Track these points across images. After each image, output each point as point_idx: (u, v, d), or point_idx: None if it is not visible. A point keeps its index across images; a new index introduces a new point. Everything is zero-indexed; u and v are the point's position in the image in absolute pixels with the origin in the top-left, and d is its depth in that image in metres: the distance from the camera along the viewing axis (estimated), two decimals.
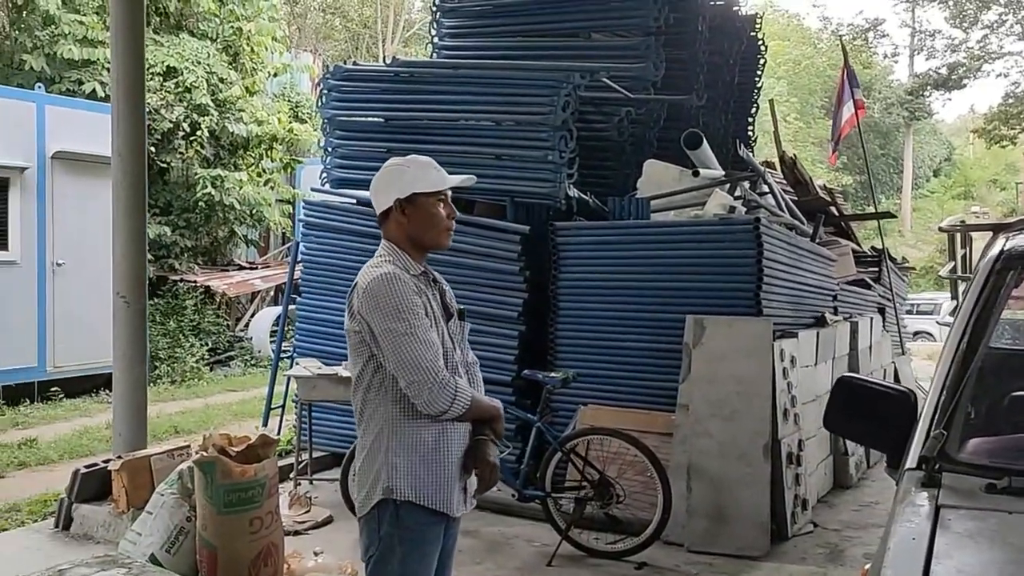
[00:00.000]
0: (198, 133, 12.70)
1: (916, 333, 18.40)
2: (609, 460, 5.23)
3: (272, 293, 14.58)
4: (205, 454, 3.85)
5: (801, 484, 5.71)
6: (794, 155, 9.39)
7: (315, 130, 14.78)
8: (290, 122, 14.31)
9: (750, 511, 5.22)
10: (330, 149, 7.08)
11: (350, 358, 2.71)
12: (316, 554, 4.34)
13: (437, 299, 2.76)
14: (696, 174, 6.65)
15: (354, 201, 7.06)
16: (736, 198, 6.46)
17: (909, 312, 16.14)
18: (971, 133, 44.62)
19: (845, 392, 2.47)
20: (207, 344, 12.26)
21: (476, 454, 2.69)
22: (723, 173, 6.96)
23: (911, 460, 2.15)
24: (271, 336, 12.68)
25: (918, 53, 43.24)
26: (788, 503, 5.47)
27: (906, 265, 11.83)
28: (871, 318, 8.16)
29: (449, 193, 2.80)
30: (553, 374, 5.38)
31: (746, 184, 6.86)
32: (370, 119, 7.06)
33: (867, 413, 2.42)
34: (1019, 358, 3.15)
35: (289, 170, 14.79)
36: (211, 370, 12.07)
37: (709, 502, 5.26)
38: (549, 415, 5.47)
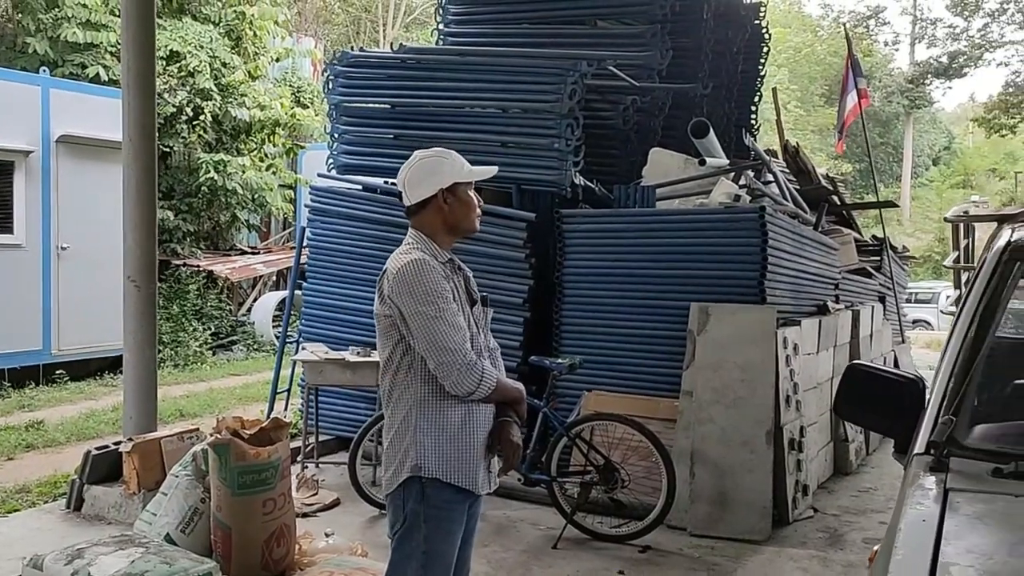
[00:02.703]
0: (201, 118, 12.71)
1: (915, 321, 18.51)
2: (614, 445, 5.30)
3: (274, 278, 14.63)
4: (219, 436, 3.91)
5: (802, 470, 5.78)
6: (796, 143, 9.43)
7: (317, 115, 14.81)
8: (292, 107, 14.31)
9: (752, 496, 5.30)
10: (336, 135, 7.11)
11: (379, 341, 2.79)
12: (327, 535, 4.41)
13: (462, 286, 2.86)
14: (703, 163, 6.69)
15: (360, 187, 7.10)
16: (741, 187, 6.50)
17: (908, 301, 16.22)
18: (971, 122, 44.58)
19: (854, 379, 2.53)
20: (210, 329, 12.32)
21: (500, 434, 2.78)
22: (728, 162, 7.00)
23: (920, 445, 2.21)
24: (273, 321, 12.74)
25: (919, 41, 43.24)
26: (789, 488, 5.55)
27: (906, 254, 11.90)
28: (872, 306, 8.23)
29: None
30: (559, 360, 5.44)
31: (751, 173, 6.91)
32: (377, 105, 7.08)
33: (876, 400, 2.48)
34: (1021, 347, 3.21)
35: (291, 155, 14.82)
36: (214, 354, 12.12)
37: (712, 487, 5.34)
38: (555, 401, 5.53)
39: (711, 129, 7.02)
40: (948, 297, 23.66)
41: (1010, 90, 38.15)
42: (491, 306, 3.07)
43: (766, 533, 5.25)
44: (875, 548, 2.22)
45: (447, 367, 2.64)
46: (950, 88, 67.96)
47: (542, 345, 6.14)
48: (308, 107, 15.29)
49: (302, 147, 14.94)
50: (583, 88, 6.27)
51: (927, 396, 2.39)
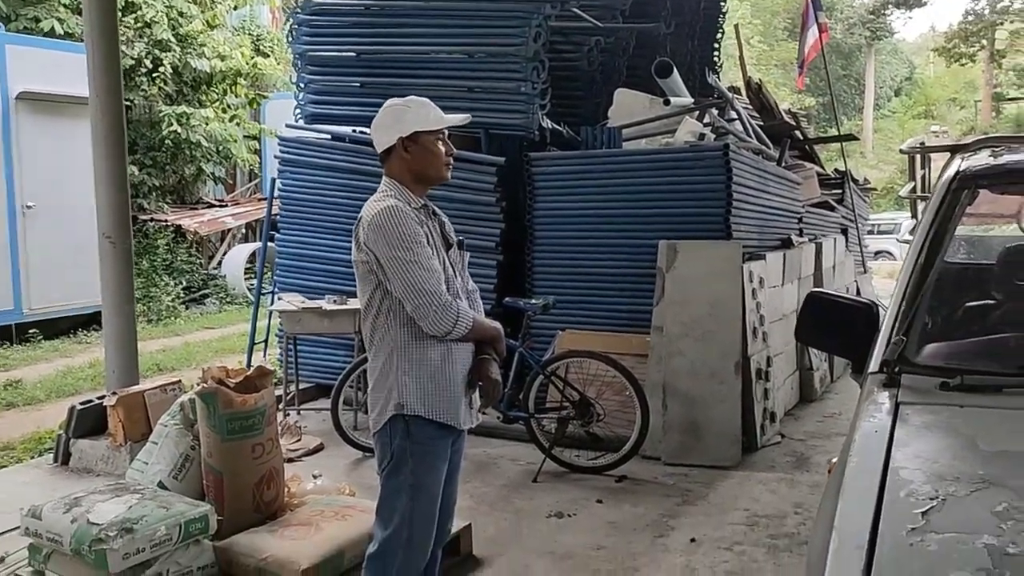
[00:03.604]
0: (160, 69, 12.50)
1: (877, 252, 18.82)
2: (588, 381, 5.47)
3: (243, 231, 14.57)
4: (206, 386, 4.01)
5: (769, 398, 6.01)
6: (759, 80, 9.52)
7: (278, 64, 14.61)
8: (253, 56, 14.09)
9: (722, 425, 5.51)
10: (302, 85, 7.09)
11: (358, 287, 2.90)
12: (315, 477, 4.56)
13: (437, 230, 2.95)
14: (667, 103, 6.78)
15: (329, 136, 7.12)
16: (705, 125, 6.61)
17: (870, 232, 16.49)
18: (932, 52, 44.81)
19: (813, 306, 2.68)
20: (181, 283, 12.30)
21: (479, 371, 2.91)
22: (692, 100, 7.10)
23: (874, 364, 2.37)
24: (245, 273, 12.74)
25: None
26: (757, 416, 5.78)
27: (868, 186, 12.11)
28: (834, 239, 8.43)
29: (447, 131, 2.95)
30: (533, 301, 5.58)
31: (715, 111, 7.01)
32: (342, 54, 7.06)
33: (834, 325, 2.63)
34: (973, 271, 3.38)
35: (254, 106, 14.64)
36: (187, 308, 12.13)
37: (684, 418, 5.54)
38: (530, 341, 5.68)
39: (675, 69, 7.10)
40: (904, 227, 24.04)
41: (969, 19, 38.34)
42: (467, 249, 3.16)
43: (736, 459, 5.48)
44: (833, 460, 2.39)
45: (423, 309, 2.73)
46: (911, 18, 68.19)
47: (515, 287, 6.27)
48: (269, 56, 15.07)
49: (265, 97, 14.76)
50: (548, 30, 6.30)
51: (881, 319, 2.55)
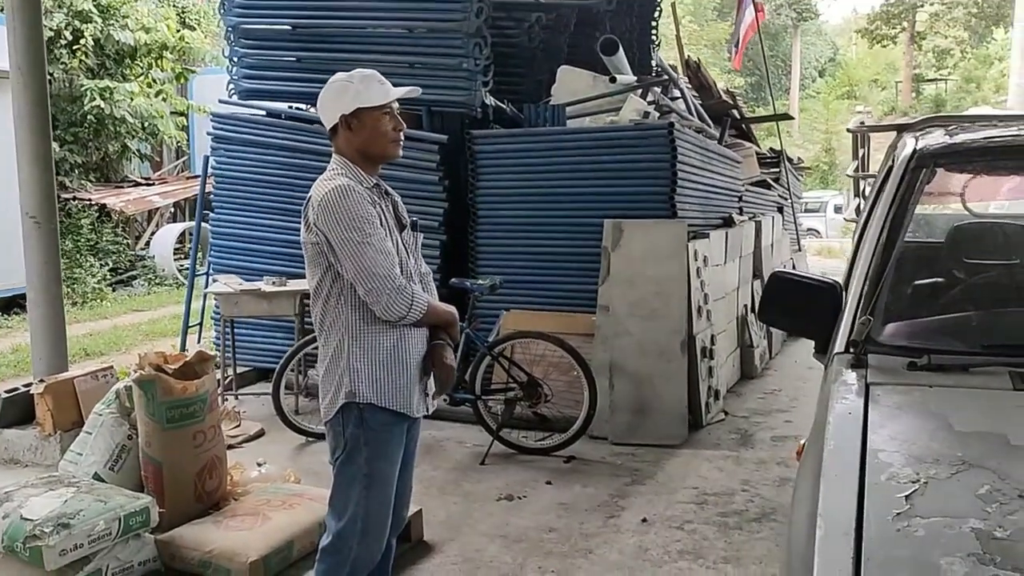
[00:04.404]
0: (81, 41, 12.00)
1: (807, 230, 19.25)
2: (535, 362, 5.43)
3: (172, 210, 14.14)
4: (143, 373, 3.84)
5: (714, 376, 6.06)
6: (698, 59, 9.55)
7: (206, 38, 14.15)
8: (179, 29, 13.62)
9: (669, 403, 5.53)
10: (235, 59, 6.85)
11: (308, 270, 2.77)
12: (259, 465, 4.43)
13: (390, 211, 2.84)
14: (613, 80, 6.74)
15: (265, 113, 6.90)
16: (649, 103, 6.59)
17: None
18: (855, 33, 45.79)
19: (777, 286, 2.66)
20: (107, 264, 11.90)
21: (434, 357, 2.80)
22: (636, 78, 7.07)
23: (840, 344, 2.36)
24: (175, 254, 12.38)
25: None
26: (702, 394, 5.82)
27: (801, 165, 12.32)
28: (772, 217, 8.55)
29: (396, 105, 2.83)
30: (480, 281, 5.50)
31: (658, 89, 7.00)
32: (277, 27, 6.83)
33: (797, 304, 2.62)
34: (924, 249, 3.42)
35: (181, 80, 14.16)
36: (113, 291, 11.74)
37: (631, 397, 5.54)
38: (476, 322, 5.61)
39: (620, 46, 7.05)
40: (839, 207, 24.64)
41: (891, 1, 39.23)
42: (421, 231, 3.06)
43: (683, 437, 5.51)
44: (801, 442, 2.38)
45: (376, 293, 2.63)
46: (835, 0, 69.43)
47: (459, 267, 6.18)
48: (196, 29, 14.58)
49: (193, 72, 14.30)
50: (489, 6, 6.19)
51: (844, 299, 2.54)
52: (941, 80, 40.79)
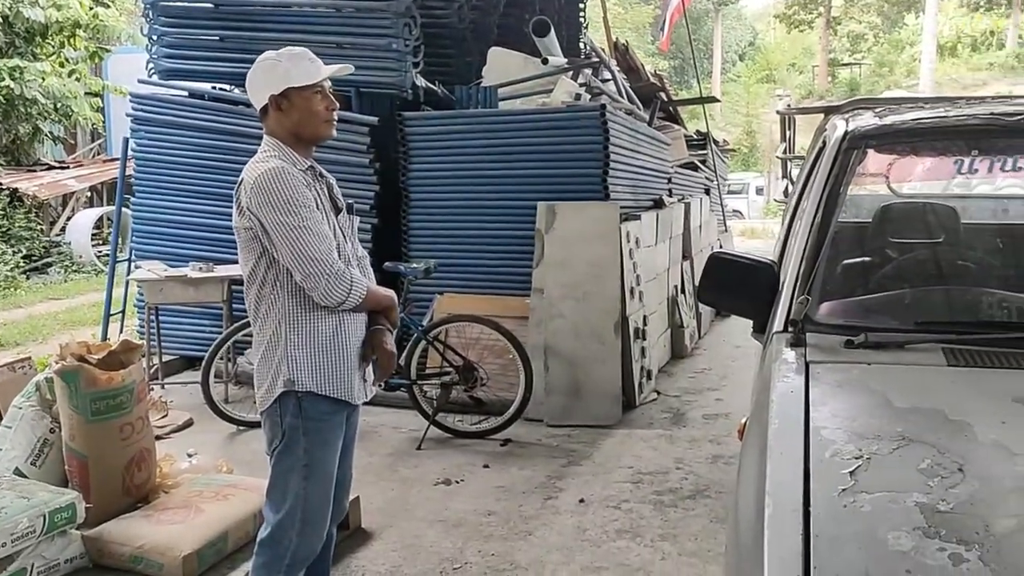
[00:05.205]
0: None
1: (732, 211, 19.61)
2: (470, 345, 5.41)
3: (88, 194, 13.64)
4: (65, 363, 3.69)
5: (646, 356, 6.13)
6: (626, 42, 9.60)
7: (121, 15, 13.66)
8: (92, 7, 13.09)
9: (603, 384, 5.57)
10: (155, 38, 6.62)
11: (241, 255, 2.68)
12: (190, 455, 4.31)
13: (325, 193, 2.77)
14: (545, 62, 6.72)
15: (187, 94, 6.69)
16: (580, 85, 6.60)
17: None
18: (773, 18, 46.73)
19: (716, 267, 2.68)
20: (20, 251, 11.43)
21: (374, 342, 2.76)
22: (567, 60, 7.06)
23: (778, 324, 2.39)
24: (92, 240, 11.96)
25: None
26: (636, 375, 5.88)
27: (727, 147, 12.52)
28: (700, 198, 8.66)
29: (327, 84, 2.75)
30: (414, 265, 5.44)
31: (589, 71, 7.01)
32: (198, 5, 6.62)
33: (735, 285, 2.65)
34: (853, 229, 3.49)
35: (96, 60, 13.64)
36: (27, 278, 11.29)
37: (566, 379, 5.57)
38: (411, 306, 5.55)
39: (551, 28, 7.04)
40: (760, 188, 25.16)
41: None
42: (356, 214, 2.99)
43: (617, 418, 5.56)
44: (743, 421, 2.41)
45: (314, 278, 2.56)
46: None
47: (392, 251, 6.11)
48: (110, 6, 14.04)
49: (108, 51, 13.77)
50: None
51: (781, 279, 2.58)
52: (856, 64, 41.94)
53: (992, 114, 2.65)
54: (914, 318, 2.39)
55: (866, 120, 2.91)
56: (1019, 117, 2.54)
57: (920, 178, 4.52)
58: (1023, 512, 1.48)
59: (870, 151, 2.80)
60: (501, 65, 6.75)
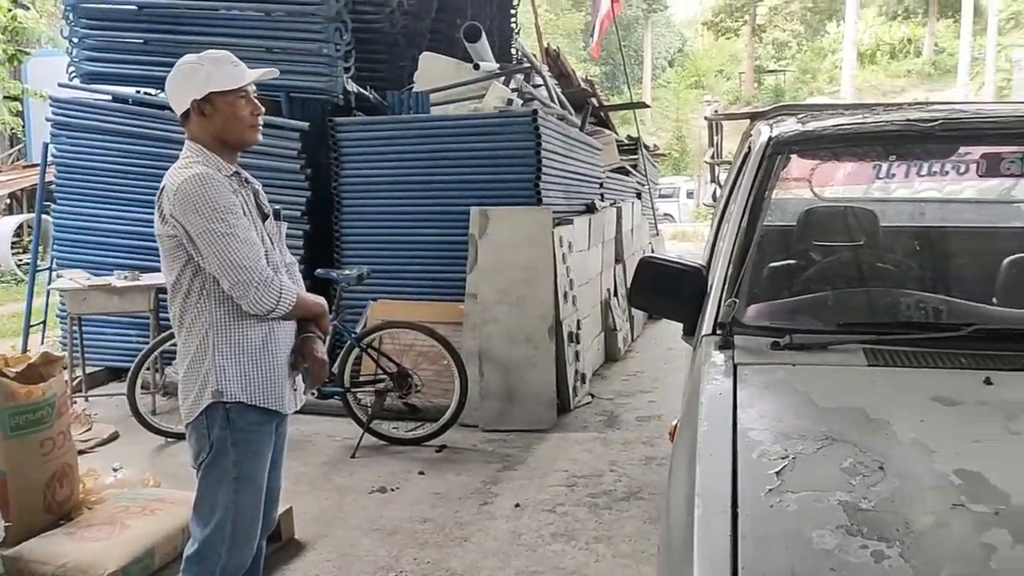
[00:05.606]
0: None
1: (663, 215, 19.87)
2: (404, 352, 5.39)
3: (7, 201, 13.19)
4: None
5: (580, 360, 6.17)
6: (557, 48, 9.67)
7: (41, 17, 13.24)
8: (10, 8, 12.64)
9: (537, 389, 5.59)
10: (76, 40, 6.44)
11: (164, 264, 2.62)
12: (115, 470, 4.20)
13: (251, 199, 2.72)
14: (477, 67, 6.72)
15: (110, 98, 6.53)
16: (512, 90, 6.62)
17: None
18: (701, 25, 47.58)
19: (646, 271, 2.71)
20: None
21: (304, 350, 2.71)
22: (499, 66, 7.08)
23: (707, 327, 2.42)
24: (12, 248, 11.57)
25: None
26: (570, 378, 5.91)
27: (657, 152, 12.70)
28: (631, 202, 8.77)
29: (252, 88, 2.71)
30: (347, 272, 5.39)
31: (520, 76, 7.04)
32: (121, 7, 6.46)
33: (665, 289, 2.69)
34: (777, 233, 3.56)
35: (15, 63, 13.16)
36: None
37: (500, 384, 5.57)
38: (344, 313, 5.50)
39: (483, 33, 7.05)
40: (691, 192, 25.57)
41: None
42: (284, 220, 2.95)
43: (552, 422, 5.59)
44: (674, 423, 2.44)
45: (243, 286, 2.51)
46: None
47: (324, 257, 6.04)
48: (30, 8, 13.58)
49: (27, 54, 13.31)
50: None
51: (709, 282, 2.62)
52: (781, 71, 42.95)
53: (908, 120, 2.73)
54: (836, 319, 2.45)
55: (789, 126, 2.98)
56: (933, 124, 2.62)
57: (843, 182, 4.65)
58: (941, 509, 1.52)
59: (793, 156, 2.86)
60: (433, 70, 6.73)
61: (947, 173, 2.77)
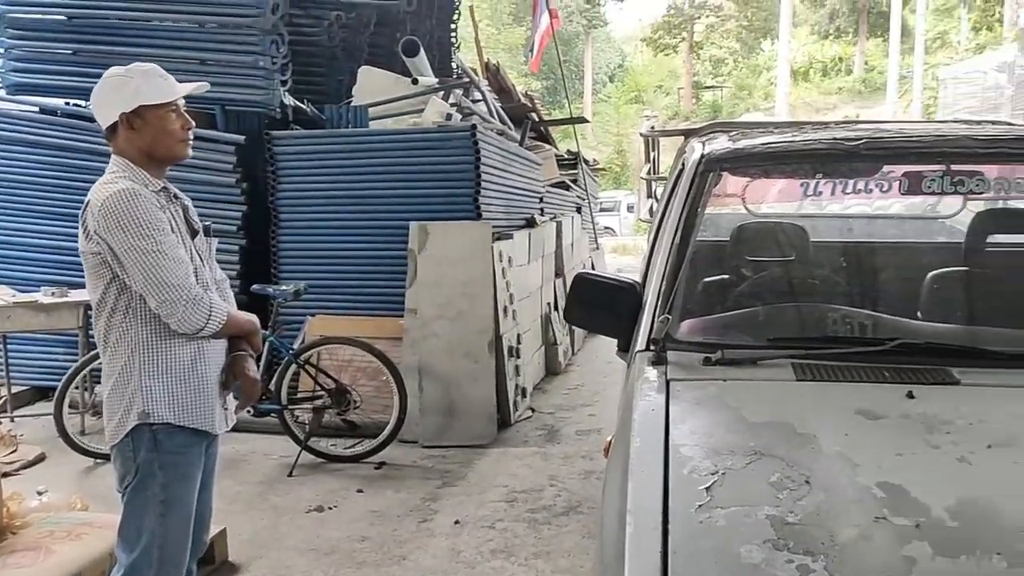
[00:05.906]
0: None
1: (603, 229, 20.03)
2: (343, 368, 5.33)
3: None
4: None
5: (520, 374, 6.18)
6: (497, 63, 9.71)
7: None
8: None
9: (478, 404, 5.58)
10: (3, 51, 6.28)
11: (89, 282, 2.56)
12: (40, 493, 4.06)
13: (180, 215, 2.66)
14: (415, 82, 6.71)
15: (38, 110, 6.36)
16: (451, 105, 6.62)
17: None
18: (640, 41, 48.25)
19: (581, 287, 2.73)
20: None
21: (235, 369, 2.66)
22: (438, 80, 7.09)
23: (641, 343, 2.44)
24: None
25: None
26: (510, 393, 5.91)
27: (597, 167, 12.81)
28: (572, 217, 8.83)
29: (182, 102, 2.66)
30: (284, 287, 5.32)
31: (460, 91, 7.05)
32: (50, 17, 6.31)
33: (600, 305, 2.70)
34: (710, 248, 3.61)
35: None
36: None
37: (440, 399, 5.55)
38: (280, 329, 5.42)
39: (421, 47, 7.04)
40: (631, 206, 25.84)
41: (672, 12, 41.72)
42: (215, 236, 2.89)
43: (492, 436, 5.58)
44: (609, 439, 2.45)
45: (171, 304, 2.46)
46: (621, 9, 72.67)
47: (261, 273, 5.96)
48: None
49: None
50: (286, 2, 6.01)
51: (643, 298, 2.65)
52: (718, 87, 43.76)
53: (834, 139, 2.80)
54: (766, 334, 2.49)
55: (721, 144, 3.02)
56: (858, 143, 2.70)
57: (775, 199, 4.74)
58: (865, 522, 1.55)
59: (724, 173, 2.91)
60: (372, 84, 6.70)
61: (871, 191, 2.84)
